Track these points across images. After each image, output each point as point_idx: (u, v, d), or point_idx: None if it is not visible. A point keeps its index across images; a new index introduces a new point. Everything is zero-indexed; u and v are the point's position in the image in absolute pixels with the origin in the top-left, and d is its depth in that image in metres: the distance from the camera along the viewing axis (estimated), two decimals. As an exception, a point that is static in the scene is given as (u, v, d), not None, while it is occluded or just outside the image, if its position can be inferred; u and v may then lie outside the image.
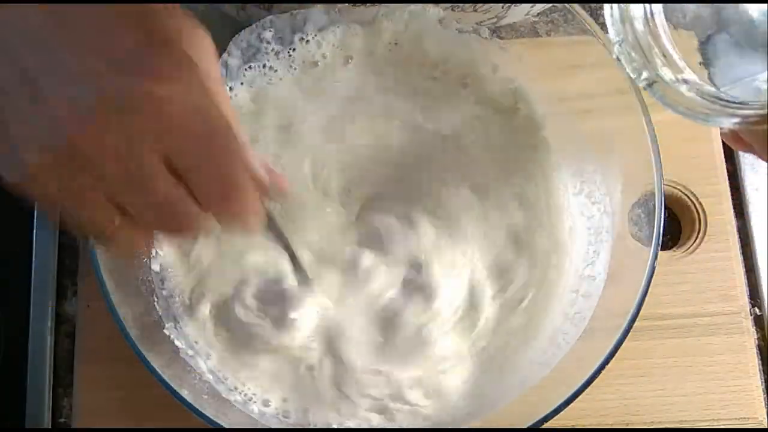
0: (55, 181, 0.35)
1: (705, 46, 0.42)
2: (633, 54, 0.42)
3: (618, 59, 0.43)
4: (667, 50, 0.42)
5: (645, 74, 0.42)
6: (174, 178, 0.36)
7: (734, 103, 0.40)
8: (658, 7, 0.42)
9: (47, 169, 0.35)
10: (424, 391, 0.55)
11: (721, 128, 0.44)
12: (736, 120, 0.41)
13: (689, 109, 0.42)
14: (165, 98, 0.34)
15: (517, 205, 0.59)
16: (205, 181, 0.37)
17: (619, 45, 0.43)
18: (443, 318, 0.56)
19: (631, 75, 0.43)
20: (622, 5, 0.43)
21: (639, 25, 0.42)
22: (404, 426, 0.55)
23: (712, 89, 0.41)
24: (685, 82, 0.42)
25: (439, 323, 0.56)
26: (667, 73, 0.42)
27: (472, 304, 0.57)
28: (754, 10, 0.40)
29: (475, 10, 0.58)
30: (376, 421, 0.54)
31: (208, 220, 0.39)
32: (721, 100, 0.41)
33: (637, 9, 0.42)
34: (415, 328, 0.55)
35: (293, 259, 0.53)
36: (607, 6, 0.43)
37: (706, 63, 0.42)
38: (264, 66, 0.60)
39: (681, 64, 0.42)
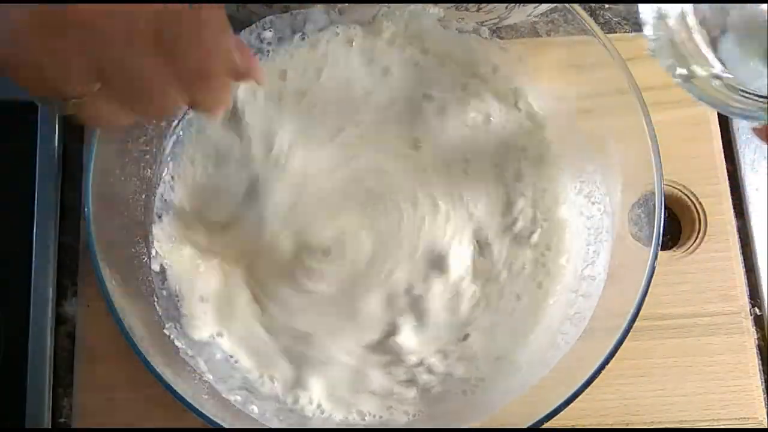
0: (37, 41, 0.35)
1: (717, 44, 0.42)
2: (668, 50, 0.43)
3: (653, 54, 0.43)
4: (700, 47, 0.42)
5: (680, 70, 0.43)
6: (160, 48, 0.37)
7: (765, 97, 0.41)
8: (690, 5, 0.42)
9: (32, 30, 0.34)
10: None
11: (754, 124, 0.44)
12: None
13: (725, 104, 0.42)
14: None
15: (517, 205, 0.59)
16: (189, 56, 0.38)
17: (654, 41, 0.43)
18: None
19: (667, 71, 0.44)
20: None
21: (673, 22, 0.42)
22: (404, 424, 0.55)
23: (743, 86, 0.42)
24: (718, 78, 0.42)
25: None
26: (700, 70, 0.42)
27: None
28: (761, 11, 0.41)
29: (479, 11, 0.58)
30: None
31: (180, 99, 0.40)
32: (755, 95, 0.41)
33: (672, 6, 0.42)
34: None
35: None
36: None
37: (722, 61, 0.42)
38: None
39: (713, 60, 0.42)
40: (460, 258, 0.57)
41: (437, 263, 0.57)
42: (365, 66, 0.61)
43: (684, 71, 0.43)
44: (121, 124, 0.42)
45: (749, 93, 0.42)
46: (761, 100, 0.41)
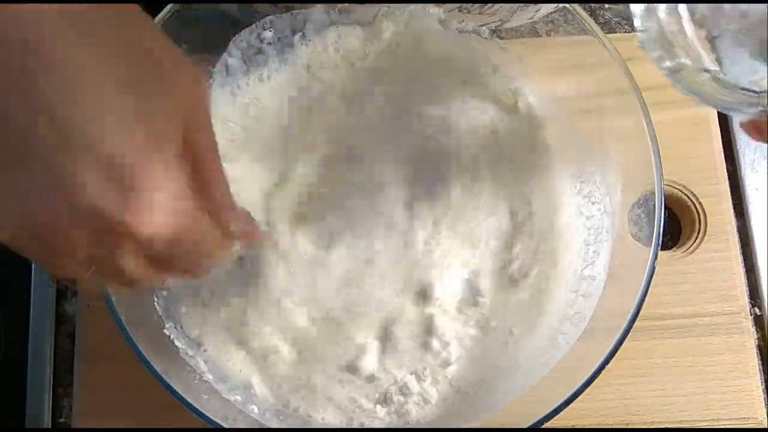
0: (31, 245, 0.36)
1: (714, 41, 0.43)
2: (657, 42, 0.43)
3: (641, 46, 0.43)
4: (690, 40, 0.42)
5: (668, 62, 0.43)
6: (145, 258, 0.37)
7: (755, 92, 0.41)
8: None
9: (22, 237, 0.36)
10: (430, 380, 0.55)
11: (741, 118, 0.44)
12: (757, 109, 0.41)
13: (713, 97, 0.42)
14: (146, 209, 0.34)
15: (517, 205, 0.59)
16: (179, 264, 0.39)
17: (643, 32, 0.43)
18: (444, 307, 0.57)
19: (655, 63, 0.44)
20: None
21: (663, 15, 0.42)
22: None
23: (732, 79, 0.42)
24: (707, 71, 0.42)
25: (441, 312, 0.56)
26: (689, 63, 0.42)
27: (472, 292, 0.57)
28: (754, 11, 0.41)
29: (481, 13, 0.58)
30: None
31: (151, 277, 0.40)
32: (742, 89, 0.41)
33: None
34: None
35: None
36: None
37: (718, 57, 0.43)
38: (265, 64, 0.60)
39: (702, 54, 0.42)
40: (448, 288, 0.57)
41: (422, 292, 0.57)
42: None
43: (672, 63, 0.43)
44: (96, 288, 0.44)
45: (740, 88, 0.42)
46: (750, 94, 0.42)
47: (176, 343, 0.54)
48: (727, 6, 0.42)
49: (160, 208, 0.34)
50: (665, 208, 0.55)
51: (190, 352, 0.55)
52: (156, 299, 0.56)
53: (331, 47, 0.62)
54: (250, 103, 0.61)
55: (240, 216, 0.43)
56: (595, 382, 0.49)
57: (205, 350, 0.56)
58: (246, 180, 0.58)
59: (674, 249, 0.63)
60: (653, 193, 0.53)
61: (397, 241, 0.57)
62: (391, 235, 0.57)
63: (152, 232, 0.35)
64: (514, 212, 0.59)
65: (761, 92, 0.41)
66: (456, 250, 0.57)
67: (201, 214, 0.38)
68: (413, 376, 0.56)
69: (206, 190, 0.38)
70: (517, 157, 0.60)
